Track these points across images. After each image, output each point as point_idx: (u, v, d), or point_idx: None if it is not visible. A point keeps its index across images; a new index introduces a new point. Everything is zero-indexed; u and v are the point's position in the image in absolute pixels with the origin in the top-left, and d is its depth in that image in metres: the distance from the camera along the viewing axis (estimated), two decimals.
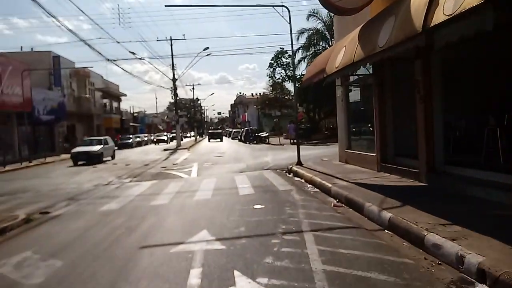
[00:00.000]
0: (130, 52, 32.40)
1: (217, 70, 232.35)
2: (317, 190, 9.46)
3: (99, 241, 5.95)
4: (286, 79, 37.83)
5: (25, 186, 14.11)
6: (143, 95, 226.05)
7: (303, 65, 43.22)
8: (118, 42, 35.38)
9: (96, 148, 23.48)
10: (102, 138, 25.92)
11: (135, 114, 70.92)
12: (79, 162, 22.73)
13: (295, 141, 37.73)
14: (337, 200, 7.94)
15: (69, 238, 6.31)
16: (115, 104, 56.43)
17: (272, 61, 38.04)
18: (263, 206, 7.69)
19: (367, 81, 11.70)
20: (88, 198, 10.42)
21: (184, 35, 67.38)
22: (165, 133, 59.23)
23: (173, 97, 35.28)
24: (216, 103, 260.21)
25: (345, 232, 5.65)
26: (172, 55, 35.28)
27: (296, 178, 11.86)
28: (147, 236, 6.07)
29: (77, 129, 42.51)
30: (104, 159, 24.07)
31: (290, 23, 15.15)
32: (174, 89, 35.21)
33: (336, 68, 9.15)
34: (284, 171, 13.76)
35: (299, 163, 14.20)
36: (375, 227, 5.89)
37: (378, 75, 10.58)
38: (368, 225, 6.01)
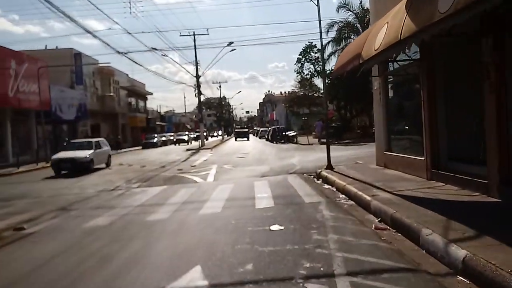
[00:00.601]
0: (152, 48, 31.13)
1: (246, 69, 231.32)
2: (352, 203, 7.62)
3: (56, 279, 4.37)
4: (315, 75, 35.80)
5: (27, 190, 12.92)
6: (174, 95, 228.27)
7: (333, 60, 40.97)
8: (129, 33, 34.31)
9: (84, 154, 18.13)
10: (94, 140, 20.26)
11: (162, 113, 70.43)
12: (63, 172, 17.83)
13: (323, 140, 35.86)
14: (379, 220, 6.10)
15: (23, 270, 4.79)
16: (141, 103, 55.94)
17: (300, 56, 36.10)
18: (282, 228, 5.93)
19: (411, 70, 9.72)
20: (80, 208, 8.98)
21: (207, 29, 65.78)
22: (186, 133, 58.17)
23: (197, 95, 33.98)
24: (246, 102, 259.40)
25: (397, 278, 3.83)
26: (195, 50, 33.92)
27: (326, 186, 10.04)
28: (119, 273, 4.44)
29: (101, 128, 42.00)
30: (96, 166, 19.04)
31: (318, 11, 13.33)
32: (198, 86, 33.90)
33: (375, 50, 7.26)
34: (312, 176, 11.97)
35: (329, 166, 12.36)
36: (440, 269, 4.04)
37: (426, 61, 8.60)
38: (430, 265, 4.17)
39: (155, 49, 31.14)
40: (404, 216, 5.50)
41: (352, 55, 9.02)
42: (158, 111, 70.05)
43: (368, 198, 7.05)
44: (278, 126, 41.55)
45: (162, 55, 33.55)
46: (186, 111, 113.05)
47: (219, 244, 5.26)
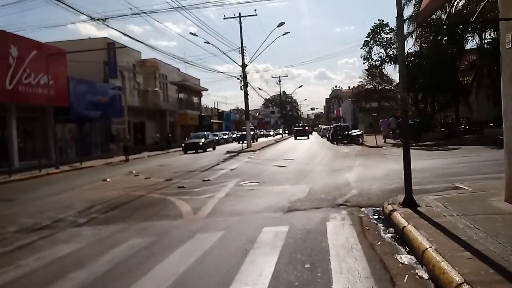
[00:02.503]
0: (191, 33, 26.75)
1: (316, 66, 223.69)
2: None
3: None
4: (387, 60, 29.05)
5: None
6: (237, 92, 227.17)
7: (410, 42, 33.90)
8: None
9: None
10: None
11: (220, 110, 66.73)
12: None
13: (393, 141, 29.00)
14: None
15: None
16: (195, 100, 52.41)
17: (368, 38, 29.50)
18: None
19: None
20: None
21: (255, 10, 60.28)
22: (225, 132, 53.82)
23: (243, 87, 29.06)
24: (315, 99, 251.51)
25: None
26: (241, 35, 28.96)
27: (403, 257, 4.43)
28: None
29: (146, 126, 38.73)
30: None
31: None
32: (244, 77, 28.94)
33: None
34: (376, 218, 6.40)
35: (409, 198, 6.64)
36: None
37: None
38: None
39: (194, 34, 26.67)
40: None
41: None
42: (216, 108, 66.55)
43: None
44: (340, 124, 35.38)
45: (204, 42, 29.01)
46: (250, 109, 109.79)
47: None
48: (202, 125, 50.91)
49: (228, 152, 25.22)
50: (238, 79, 29.93)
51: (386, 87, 53.02)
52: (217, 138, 43.70)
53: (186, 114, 45.94)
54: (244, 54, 29.43)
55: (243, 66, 29.06)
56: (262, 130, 72.20)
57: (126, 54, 32.54)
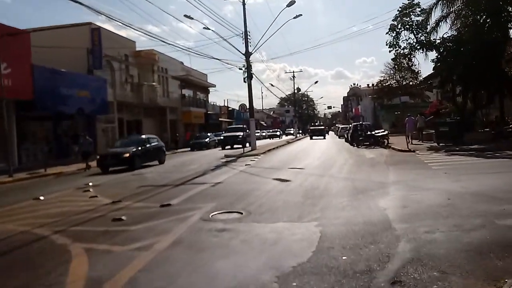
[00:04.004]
0: (185, 16, 22.80)
1: (333, 65, 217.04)
2: None
3: None
4: (418, 47, 24.39)
5: None
6: (257, 91, 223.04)
7: (443, 28, 29.18)
8: None
9: None
10: None
11: (230, 108, 62.53)
12: None
13: (421, 142, 24.14)
14: None
15: None
16: (201, 97, 48.41)
17: (395, 22, 24.89)
18: None
19: None
20: None
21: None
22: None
23: (246, 79, 24.81)
24: (332, 99, 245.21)
25: None
26: (244, 17, 24.64)
27: None
28: None
29: (144, 125, 34.79)
30: None
31: None
32: (247, 66, 24.65)
33: None
34: None
35: None
36: None
37: None
38: None
39: (189, 16, 22.62)
40: None
41: None
42: (227, 106, 62.44)
43: None
44: (361, 123, 30.80)
45: (203, 28, 24.83)
46: (264, 107, 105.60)
47: None
48: (208, 124, 46.90)
49: (225, 156, 20.97)
50: (240, 69, 25.66)
51: (410, 83, 48.25)
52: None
53: (189, 111, 41.93)
54: (249, 41, 25.14)
55: (247, 54, 24.80)
56: (277, 130, 67.91)
57: (117, 43, 28.65)
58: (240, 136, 29.18)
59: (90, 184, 12.94)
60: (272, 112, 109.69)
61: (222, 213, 7.39)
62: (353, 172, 12.19)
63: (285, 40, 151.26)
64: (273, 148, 26.54)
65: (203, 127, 45.54)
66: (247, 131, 29.54)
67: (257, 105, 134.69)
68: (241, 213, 7.25)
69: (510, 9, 21.77)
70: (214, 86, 51.55)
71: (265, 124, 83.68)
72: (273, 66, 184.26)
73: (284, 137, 52.99)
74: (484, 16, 21.64)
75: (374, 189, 8.87)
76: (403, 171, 11.95)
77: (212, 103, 51.65)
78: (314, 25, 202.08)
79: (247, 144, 25.68)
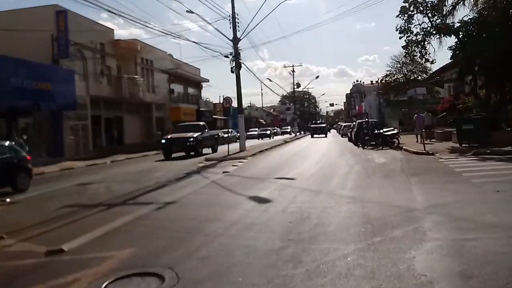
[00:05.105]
0: (188, 11, 19.59)
1: (335, 63, 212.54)
2: None
3: None
4: (434, 33, 20.91)
5: None
6: (253, 90, 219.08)
7: (461, 11, 25.43)
8: None
9: None
10: None
11: (227, 105, 58.95)
12: None
13: (429, 141, 20.19)
14: None
15: None
16: (193, 92, 45.03)
17: (406, 3, 21.43)
18: None
19: None
20: None
21: None
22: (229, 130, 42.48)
23: (234, 68, 21.42)
24: (335, 97, 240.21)
25: None
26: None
27: None
28: None
29: (125, 122, 31.41)
30: None
31: None
32: (236, 53, 21.25)
33: None
34: None
35: None
36: None
37: None
38: None
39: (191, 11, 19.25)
40: None
41: None
42: (222, 102, 58.91)
43: None
44: (367, 120, 27.33)
45: (187, 11, 21.46)
46: (264, 105, 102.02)
47: None
48: (200, 121, 43.43)
49: (206, 160, 17.51)
50: (226, 57, 22.22)
51: (419, 77, 44.76)
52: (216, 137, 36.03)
53: (179, 108, 38.52)
54: (237, 25, 21.73)
55: (235, 40, 21.41)
56: (268, 128, 64.08)
57: (90, 30, 25.27)
58: (192, 140, 20.56)
59: (8, 200, 9.61)
60: (272, 110, 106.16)
61: (129, 276, 4.06)
62: (361, 187, 8.77)
63: (281, 28, 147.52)
64: (266, 149, 23.07)
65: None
66: (206, 130, 23.20)
67: (257, 102, 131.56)
68: (162, 279, 3.92)
69: None
70: (207, 80, 48.12)
71: (264, 122, 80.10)
72: (275, 64, 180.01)
73: (279, 137, 48.34)
74: None
75: (399, 225, 5.48)
76: (433, 185, 8.53)
77: (205, 99, 48.23)
78: (317, 23, 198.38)
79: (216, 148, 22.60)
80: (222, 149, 21.80)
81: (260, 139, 43.91)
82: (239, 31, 22.67)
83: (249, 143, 33.73)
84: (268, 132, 47.78)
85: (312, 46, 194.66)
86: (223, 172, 12.76)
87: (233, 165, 14.61)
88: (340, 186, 9.10)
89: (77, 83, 23.48)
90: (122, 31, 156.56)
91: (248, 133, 49.04)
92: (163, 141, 21.34)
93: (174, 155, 20.62)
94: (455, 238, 4.76)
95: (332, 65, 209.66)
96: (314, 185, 9.37)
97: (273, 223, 6.02)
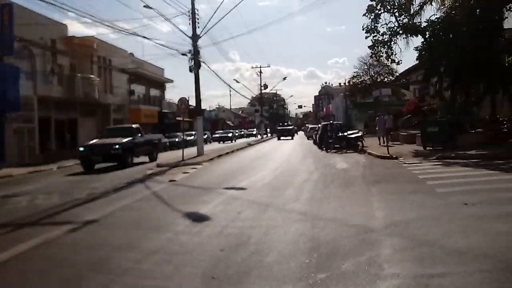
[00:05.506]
0: (145, 6, 18.07)
1: (305, 65, 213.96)
2: None
3: None
4: (400, 32, 20.37)
5: None
6: (217, 92, 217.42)
7: (429, 10, 25.44)
8: None
9: None
10: None
11: (192, 107, 57.46)
12: None
13: (390, 143, 18.97)
14: None
15: None
16: (156, 93, 43.34)
17: (374, 2, 20.81)
18: None
19: None
20: None
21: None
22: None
23: (193, 67, 20.11)
24: (305, 99, 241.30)
25: None
26: None
27: None
28: None
29: (80, 125, 29.49)
30: None
31: None
32: (195, 52, 19.99)
33: None
34: None
35: None
36: None
37: None
38: None
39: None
40: None
41: None
42: (187, 104, 57.18)
43: None
44: (331, 122, 26.68)
45: (144, 6, 19.99)
46: (235, 106, 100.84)
47: None
48: (163, 123, 41.86)
49: (158, 166, 16.15)
50: (183, 55, 20.81)
51: (385, 79, 44.80)
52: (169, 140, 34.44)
53: (139, 109, 36.77)
54: (197, 22, 20.48)
55: (194, 37, 20.17)
56: (229, 131, 62.77)
57: (41, 26, 23.41)
58: (117, 147, 16.61)
59: None
60: (241, 112, 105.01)
61: None
62: (316, 200, 7.77)
63: (249, 28, 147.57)
64: (226, 153, 21.88)
65: (157, 127, 40.44)
66: (140, 135, 18.98)
67: (225, 104, 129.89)
68: None
69: None
70: (171, 81, 46.53)
71: (232, 124, 78.89)
72: (246, 66, 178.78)
73: (244, 140, 46.72)
74: None
75: (351, 252, 4.47)
76: (394, 197, 7.64)
77: (168, 101, 46.57)
78: (288, 26, 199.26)
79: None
80: (176, 154, 20.33)
81: (222, 142, 42.19)
82: (198, 27, 21.52)
83: (212, 146, 32.58)
84: (230, 134, 45.93)
85: (284, 48, 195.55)
86: (170, 180, 11.50)
87: (184, 172, 13.36)
88: (293, 198, 8.07)
89: (22, 82, 21.60)
90: (90, 31, 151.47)
91: (214, 136, 47.65)
92: (81, 148, 17.46)
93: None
94: (418, 274, 3.78)
95: (302, 68, 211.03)
96: (265, 197, 8.30)
97: (201, 252, 4.89)
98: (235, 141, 43.87)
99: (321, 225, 5.81)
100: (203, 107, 66.05)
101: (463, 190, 7.70)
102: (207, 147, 27.81)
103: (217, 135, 46.01)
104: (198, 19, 21.71)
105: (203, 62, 21.73)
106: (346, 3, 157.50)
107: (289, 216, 6.52)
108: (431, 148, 16.49)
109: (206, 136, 45.06)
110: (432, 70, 19.81)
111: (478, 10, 18.24)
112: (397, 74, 41.45)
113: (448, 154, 14.18)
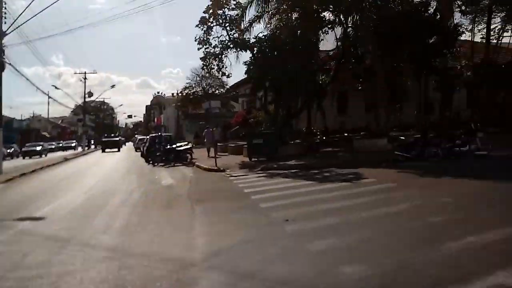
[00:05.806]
0: None
1: (139, 74, 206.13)
2: None
3: None
4: (231, 46, 20.59)
5: None
6: (35, 99, 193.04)
7: (258, 28, 26.72)
8: None
9: None
10: None
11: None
12: None
13: (217, 155, 18.83)
14: None
15: None
16: None
17: (206, 14, 20.58)
18: None
19: None
20: None
21: None
22: None
23: None
24: (137, 109, 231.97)
25: None
26: None
27: None
28: None
29: None
30: None
31: None
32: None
33: None
34: None
35: None
36: None
37: None
38: None
39: None
40: None
41: None
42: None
43: None
44: (160, 134, 25.59)
45: None
46: (56, 115, 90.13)
47: None
48: None
49: None
50: None
51: (217, 91, 45.84)
52: None
53: None
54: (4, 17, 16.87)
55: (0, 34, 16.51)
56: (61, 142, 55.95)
57: None
58: None
59: None
60: (61, 121, 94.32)
61: None
62: (131, 227, 6.64)
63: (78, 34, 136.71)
64: (33, 171, 18.51)
65: None
66: None
67: (43, 112, 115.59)
68: None
69: (324, 14, 20.09)
70: None
71: (48, 136, 69.73)
72: (72, 72, 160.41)
73: (61, 153, 40.94)
74: (299, 13, 19.41)
75: None
76: (219, 217, 7.08)
77: None
78: (123, 34, 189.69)
79: None
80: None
81: (28, 157, 35.90)
82: (5, 23, 17.88)
83: (18, 162, 27.67)
84: (39, 148, 39.37)
85: (116, 56, 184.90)
86: None
87: None
88: (103, 227, 6.76)
89: None
90: None
91: (25, 149, 40.58)
92: None
93: None
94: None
95: (135, 76, 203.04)
96: (67, 229, 6.75)
97: None
98: (45, 155, 37.80)
99: (131, 264, 4.76)
100: (14, 115, 57.11)
101: (284, 204, 7.67)
102: (10, 163, 23.46)
103: (36, 148, 39.47)
104: (5, 13, 18.11)
105: (10, 64, 18.08)
106: (182, 14, 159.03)
107: (93, 255, 5.26)
108: (256, 159, 16.96)
109: (12, 150, 38.53)
110: (258, 85, 20.67)
111: (299, 31, 19.81)
112: (228, 86, 42.88)
113: (271, 165, 14.69)
